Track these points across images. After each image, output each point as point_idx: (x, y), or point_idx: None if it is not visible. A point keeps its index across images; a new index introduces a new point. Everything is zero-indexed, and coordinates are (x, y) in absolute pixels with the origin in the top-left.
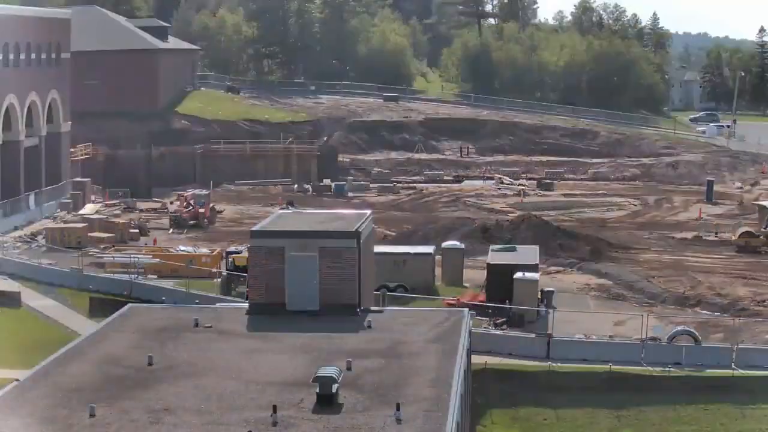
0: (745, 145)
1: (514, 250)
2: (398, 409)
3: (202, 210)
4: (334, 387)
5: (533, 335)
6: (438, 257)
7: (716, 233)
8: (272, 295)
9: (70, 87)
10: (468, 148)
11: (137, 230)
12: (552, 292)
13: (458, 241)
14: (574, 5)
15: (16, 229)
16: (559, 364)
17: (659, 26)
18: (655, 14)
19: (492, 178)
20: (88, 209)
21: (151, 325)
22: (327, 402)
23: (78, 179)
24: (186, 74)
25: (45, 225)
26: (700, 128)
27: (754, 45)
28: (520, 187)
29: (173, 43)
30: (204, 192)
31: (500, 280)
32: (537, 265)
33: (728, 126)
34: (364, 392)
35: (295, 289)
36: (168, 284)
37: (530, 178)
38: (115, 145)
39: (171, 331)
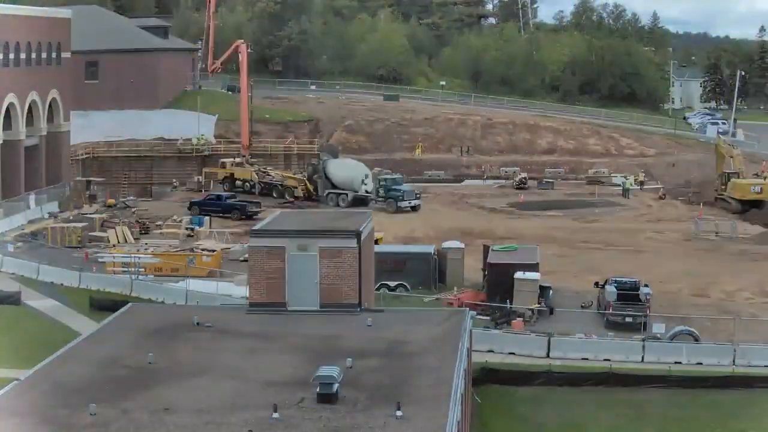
0: (745, 145)
1: (514, 249)
2: (398, 408)
3: None
4: (334, 387)
5: (533, 334)
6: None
7: (716, 233)
8: (272, 295)
9: (70, 87)
10: (468, 147)
11: (138, 229)
12: (549, 288)
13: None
14: (574, 5)
15: (16, 228)
16: (559, 363)
17: (659, 26)
18: (655, 14)
19: (493, 178)
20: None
21: (151, 325)
22: (327, 401)
23: (78, 179)
24: (186, 73)
25: (45, 225)
26: (696, 125)
27: (754, 45)
28: (521, 186)
29: (173, 42)
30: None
31: (500, 279)
32: (537, 264)
33: (724, 122)
34: (364, 392)
35: (295, 288)
36: (168, 284)
37: (530, 178)
38: (116, 145)
39: (171, 331)
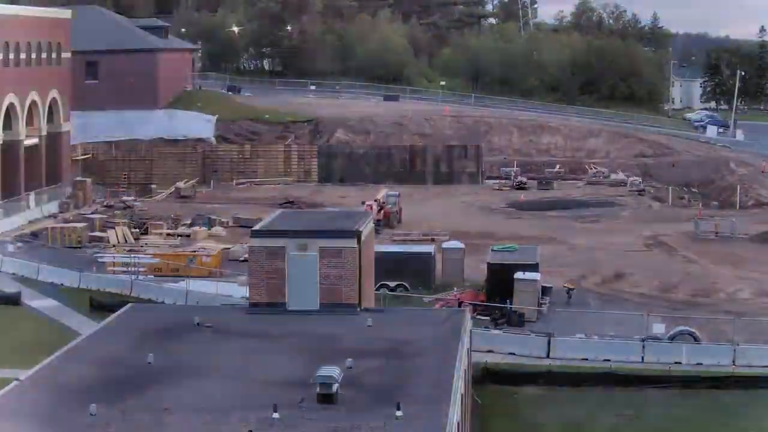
0: (745, 145)
1: (514, 249)
2: (398, 408)
3: (394, 209)
4: (334, 387)
5: (533, 334)
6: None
7: (716, 233)
8: (272, 295)
9: (70, 87)
10: (467, 146)
11: (137, 229)
12: (550, 288)
13: None
14: (575, 5)
15: (16, 228)
16: (559, 363)
17: (659, 26)
18: (655, 14)
19: (493, 178)
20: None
21: (151, 325)
22: (327, 402)
23: (78, 178)
24: (186, 73)
25: (45, 225)
26: (698, 126)
27: (754, 45)
28: (521, 186)
29: (173, 42)
30: (395, 192)
31: (500, 279)
32: (537, 264)
33: (726, 123)
34: (364, 392)
35: (295, 288)
36: (168, 284)
37: (530, 178)
38: (115, 145)
39: (171, 331)
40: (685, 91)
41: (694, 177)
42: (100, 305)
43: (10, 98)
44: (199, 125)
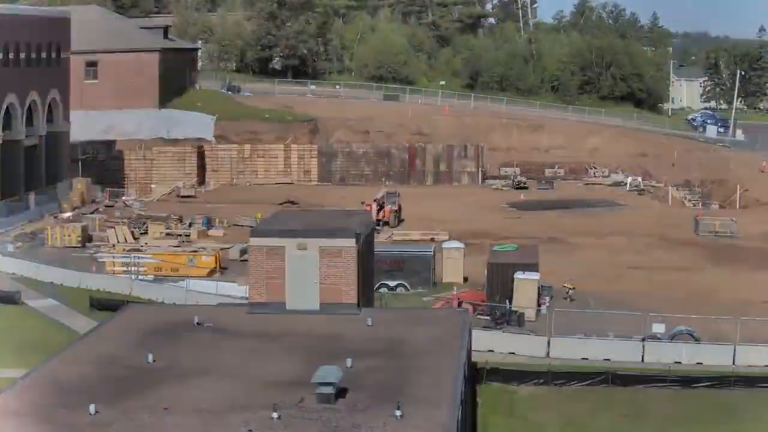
0: (745, 145)
1: (514, 249)
2: (398, 408)
3: (395, 209)
4: (334, 387)
5: (532, 334)
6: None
7: (716, 233)
8: (272, 295)
9: (70, 87)
10: (467, 146)
11: (137, 229)
12: (550, 288)
13: None
14: (574, 5)
15: (16, 228)
16: (559, 363)
17: (659, 25)
18: (654, 14)
19: (493, 178)
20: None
21: (151, 325)
22: (327, 401)
23: (78, 178)
24: (186, 73)
25: (45, 225)
26: (698, 126)
27: (754, 45)
28: (521, 186)
29: (173, 42)
30: (395, 192)
31: (500, 279)
32: (537, 264)
33: (726, 124)
34: (364, 392)
35: (295, 288)
36: (168, 284)
37: (530, 178)
38: (116, 145)
39: (171, 331)
40: (686, 91)
41: (694, 177)
42: (100, 305)
43: (10, 98)
44: (199, 125)
